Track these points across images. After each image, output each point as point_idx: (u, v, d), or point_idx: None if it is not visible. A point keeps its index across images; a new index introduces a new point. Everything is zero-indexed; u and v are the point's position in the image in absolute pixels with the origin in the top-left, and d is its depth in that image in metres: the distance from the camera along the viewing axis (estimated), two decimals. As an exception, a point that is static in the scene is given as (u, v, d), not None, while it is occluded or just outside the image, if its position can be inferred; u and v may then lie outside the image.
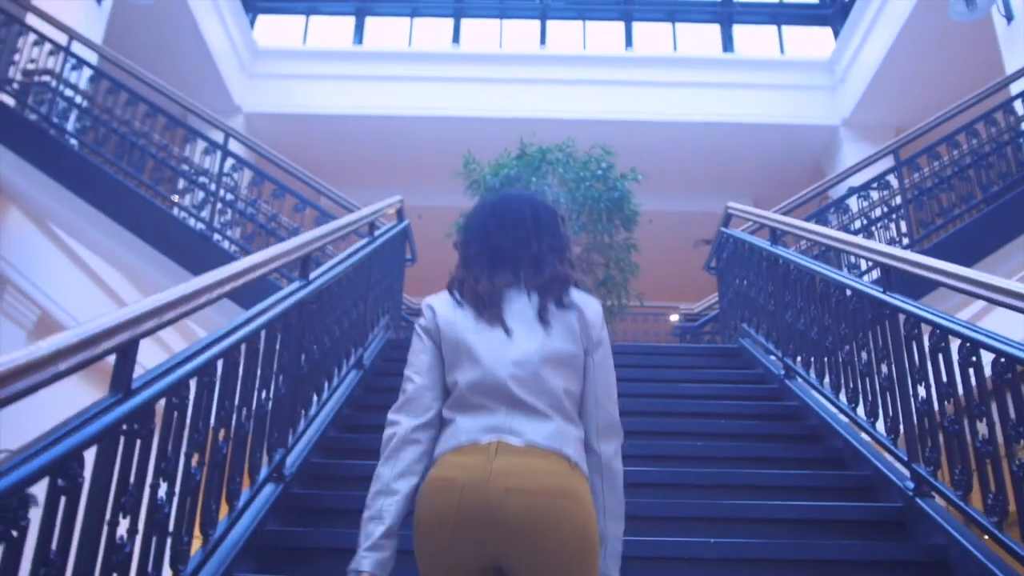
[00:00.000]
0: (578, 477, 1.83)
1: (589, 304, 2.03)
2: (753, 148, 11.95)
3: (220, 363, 2.74)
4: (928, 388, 3.31)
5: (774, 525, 3.41)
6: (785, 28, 12.99)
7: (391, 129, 11.83)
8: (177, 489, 2.48)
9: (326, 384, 4.13)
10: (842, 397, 4.10)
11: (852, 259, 6.30)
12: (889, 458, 3.71)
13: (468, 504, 1.75)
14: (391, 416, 1.95)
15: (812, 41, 12.88)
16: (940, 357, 3.20)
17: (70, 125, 6.73)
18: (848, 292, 4.01)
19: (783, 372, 4.93)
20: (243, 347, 2.93)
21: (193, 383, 2.54)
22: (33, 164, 6.25)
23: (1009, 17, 8.27)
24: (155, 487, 2.35)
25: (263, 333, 3.13)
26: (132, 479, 2.19)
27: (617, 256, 8.78)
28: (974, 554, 2.91)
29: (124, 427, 2.13)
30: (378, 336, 5.49)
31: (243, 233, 6.90)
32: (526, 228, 2.07)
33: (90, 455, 2.00)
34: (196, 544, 2.69)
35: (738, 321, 5.98)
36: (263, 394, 3.23)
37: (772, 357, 5.20)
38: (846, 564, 3.08)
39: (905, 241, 6.40)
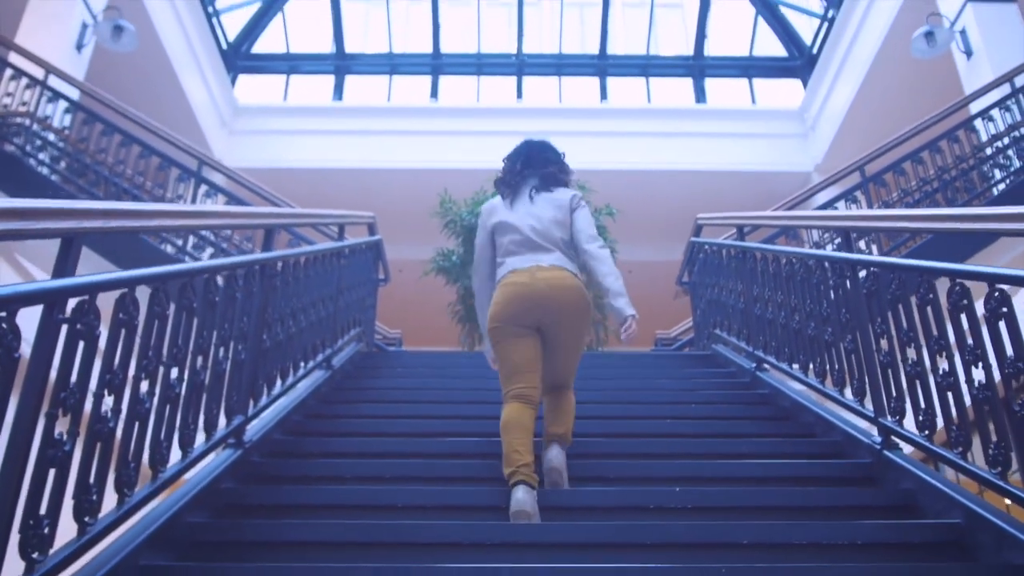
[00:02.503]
0: (574, 278, 3.34)
1: (568, 192, 3.60)
2: (729, 196, 12.08)
3: (176, 285, 2.71)
4: (891, 340, 3.31)
5: (746, 482, 3.36)
6: (756, 80, 13.33)
7: (370, 181, 11.94)
8: (124, 406, 2.43)
9: (291, 369, 4.09)
10: (811, 375, 4.09)
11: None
12: (858, 422, 3.68)
13: (525, 291, 3.28)
14: (473, 274, 3.73)
15: (782, 92, 13.21)
16: (900, 307, 3.21)
17: (44, 155, 6.77)
18: (810, 263, 4.03)
19: (754, 365, 4.93)
20: (199, 281, 2.89)
21: (144, 300, 2.50)
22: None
23: (968, 52, 8.53)
24: (99, 396, 2.31)
25: (220, 277, 3.10)
26: (74, 377, 2.15)
27: (594, 292, 8.82)
28: (942, 490, 2.88)
29: (67, 315, 2.10)
30: (349, 345, 5.45)
31: (213, 256, 6.89)
32: (549, 151, 3.80)
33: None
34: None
35: (711, 328, 5.98)
36: (220, 351, 3.20)
37: (743, 354, 5.20)
38: (820, 511, 3.03)
39: (875, 252, 6.46)
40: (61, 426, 2.12)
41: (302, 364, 4.31)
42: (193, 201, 6.83)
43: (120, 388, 2.40)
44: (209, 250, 6.99)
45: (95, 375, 2.27)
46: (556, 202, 3.51)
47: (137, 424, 2.52)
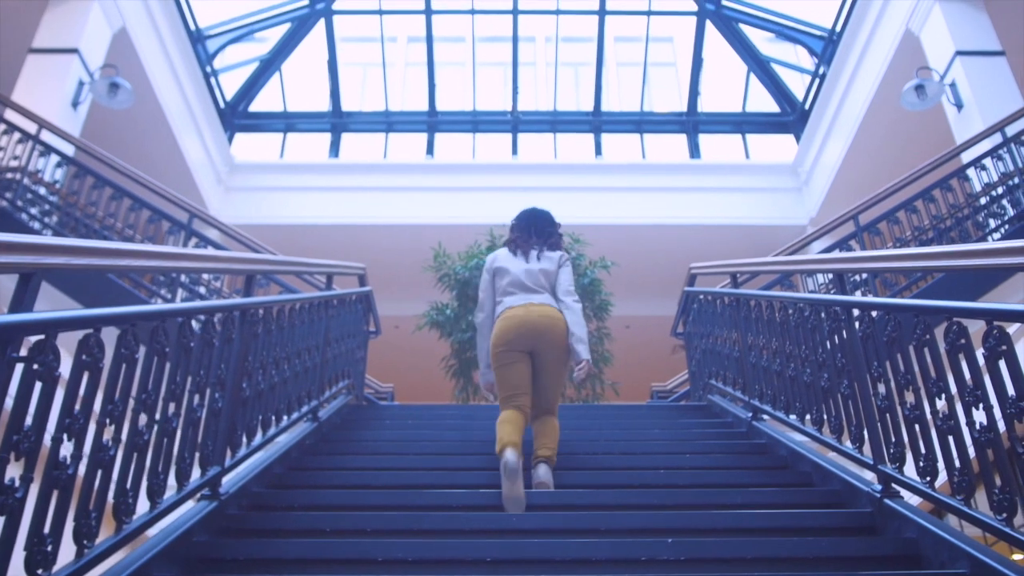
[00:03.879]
0: (559, 313, 4.17)
1: (560, 254, 4.46)
2: (724, 249, 12.03)
3: (148, 328, 2.61)
4: (888, 384, 3.21)
5: (742, 533, 3.23)
6: (749, 135, 13.41)
7: (365, 237, 11.93)
8: (85, 452, 2.32)
9: (273, 420, 3.97)
10: (808, 423, 3.98)
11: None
12: (856, 469, 3.56)
13: (521, 322, 4.10)
14: (477, 313, 4.49)
15: (775, 146, 13.28)
16: (896, 349, 3.12)
17: (35, 210, 6.74)
18: (803, 307, 3.94)
19: (750, 415, 4.81)
20: (172, 324, 2.80)
21: (112, 341, 2.41)
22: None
23: (959, 105, 8.57)
24: (57, 440, 2.20)
25: (195, 322, 3.00)
26: (29, 420, 2.05)
27: (590, 346, 8.73)
28: (946, 539, 2.75)
29: (23, 354, 2.00)
30: (338, 397, 5.33)
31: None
32: (546, 221, 4.61)
33: None
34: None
35: (707, 379, 5.87)
36: (196, 398, 3.09)
37: (740, 404, 5.08)
38: (820, 562, 2.90)
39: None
40: (14, 471, 2.01)
41: (286, 415, 4.19)
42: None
43: (81, 433, 2.29)
44: (198, 302, 6.91)
45: (53, 418, 2.17)
46: (550, 259, 4.39)
47: (100, 471, 2.41)
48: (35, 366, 2.06)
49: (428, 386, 10.06)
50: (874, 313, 3.34)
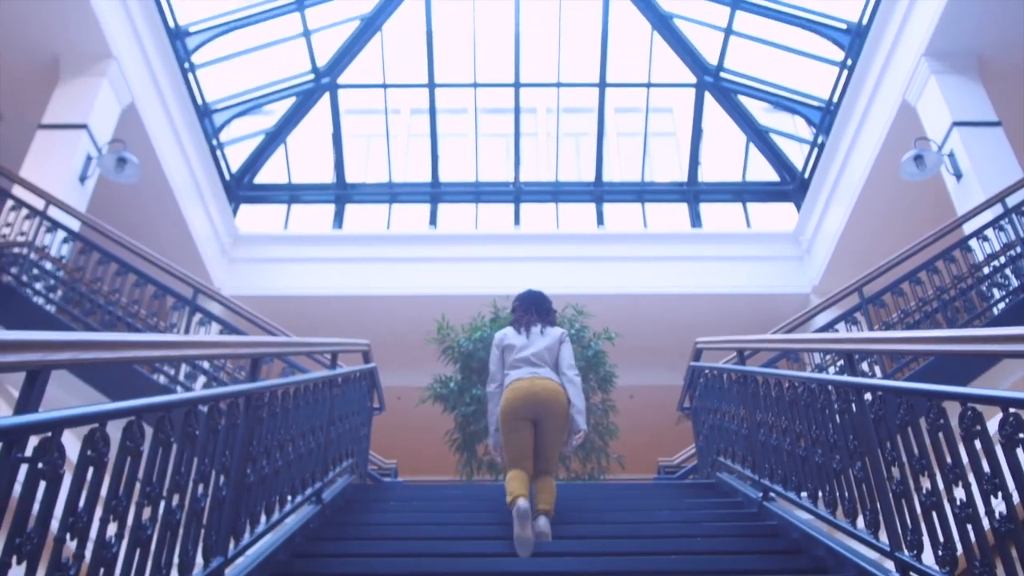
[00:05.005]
0: (560, 387, 4.67)
1: (559, 330, 5.04)
2: (728, 319, 12.06)
3: (152, 422, 2.59)
4: (902, 467, 3.16)
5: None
6: (750, 204, 13.51)
7: (369, 308, 11.95)
8: (88, 551, 2.27)
9: (277, 505, 3.91)
10: (820, 505, 3.91)
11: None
12: (873, 555, 3.48)
13: (527, 393, 4.59)
14: (488, 384, 4.95)
15: (776, 215, 13.37)
16: (910, 432, 3.08)
17: (40, 285, 6.75)
18: (813, 387, 3.91)
19: (760, 495, 4.73)
20: (178, 414, 2.77)
21: (116, 437, 2.38)
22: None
23: (958, 175, 8.63)
24: (60, 541, 2.15)
25: (200, 410, 2.97)
26: (32, 522, 2.01)
27: (595, 419, 8.66)
28: (969, 632, 2.66)
29: (27, 454, 1.98)
30: (342, 477, 5.26)
31: (206, 385, 6.77)
32: (543, 301, 5.20)
33: None
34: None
35: (714, 456, 5.79)
36: (200, 487, 3.04)
37: (749, 483, 5.00)
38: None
39: (879, 374, 6.34)
40: (16, 573, 1.97)
41: (290, 498, 4.12)
42: (187, 329, 6.76)
43: (84, 531, 2.25)
44: (202, 379, 6.88)
45: (57, 516, 2.13)
46: (551, 336, 4.96)
47: (103, 570, 2.35)
48: (40, 465, 2.03)
49: (431, 459, 9.95)
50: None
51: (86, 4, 8.60)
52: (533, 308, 5.12)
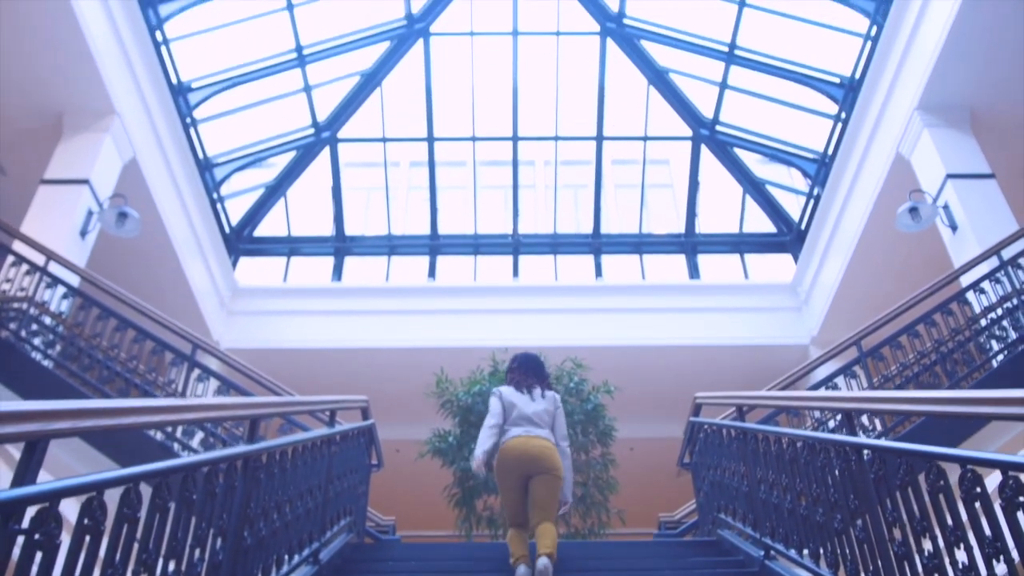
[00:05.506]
0: (554, 446, 5.04)
1: (556, 396, 5.43)
2: (727, 370, 12.06)
3: (150, 487, 2.57)
4: (903, 527, 3.15)
5: None
6: (747, 255, 13.58)
7: (367, 361, 11.94)
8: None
9: (274, 567, 3.87)
10: (823, 564, 3.87)
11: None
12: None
13: (522, 451, 4.95)
14: (486, 426, 5.12)
15: (774, 266, 13.43)
16: (910, 490, 3.07)
17: (39, 340, 6.75)
18: (813, 444, 3.90)
19: (762, 553, 4.68)
20: (175, 479, 2.76)
21: (112, 506, 2.37)
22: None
23: (953, 227, 8.69)
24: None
25: (199, 475, 2.96)
26: (27, 593, 1.99)
27: (595, 473, 8.60)
28: None
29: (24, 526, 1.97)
30: (339, 536, 5.21)
31: (203, 441, 6.74)
32: (540, 365, 5.64)
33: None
34: None
35: (715, 512, 5.74)
36: (196, 552, 3.02)
37: (750, 541, 4.96)
38: None
39: (879, 428, 6.33)
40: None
41: (287, 559, 4.08)
42: (185, 385, 6.75)
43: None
44: (200, 434, 6.85)
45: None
46: (549, 401, 5.35)
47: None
48: (37, 536, 2.02)
49: (430, 514, 9.86)
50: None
51: (91, 62, 8.72)
52: (532, 371, 5.50)
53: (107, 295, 7.33)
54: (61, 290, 7.17)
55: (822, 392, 4.60)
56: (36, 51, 8.53)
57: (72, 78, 8.87)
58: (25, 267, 6.95)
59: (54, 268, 7.19)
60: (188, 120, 11.18)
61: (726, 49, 11.81)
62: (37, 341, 6.76)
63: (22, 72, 8.73)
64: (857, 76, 10.65)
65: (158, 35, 10.21)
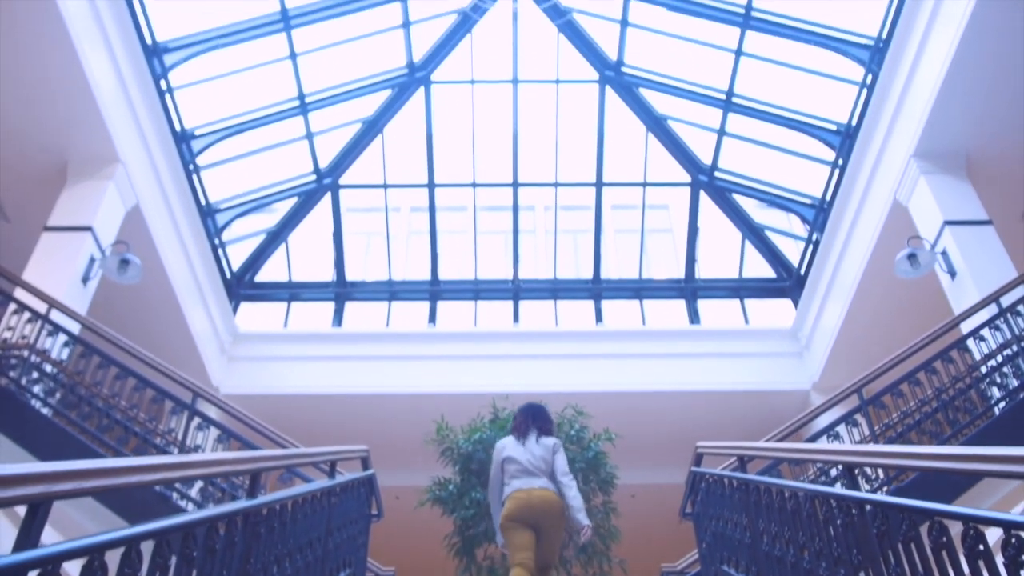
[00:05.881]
0: (556, 495, 5.34)
1: (553, 440, 5.69)
2: (729, 416, 12.03)
3: (150, 547, 2.57)
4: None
5: None
6: (747, 300, 13.61)
7: (368, 407, 11.93)
8: None
9: (273, 623, 3.83)
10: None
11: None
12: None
13: (525, 503, 5.28)
14: (489, 492, 5.72)
15: (774, 311, 13.46)
16: (913, 546, 3.07)
17: (39, 388, 6.75)
18: (815, 498, 3.89)
19: (767, 609, 4.63)
20: (176, 538, 2.75)
21: (114, 565, 2.36)
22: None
23: (952, 273, 8.73)
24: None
25: (199, 531, 2.95)
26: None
27: (597, 522, 8.52)
28: None
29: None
30: (338, 589, 5.16)
31: (202, 491, 6.70)
32: (540, 412, 5.94)
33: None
34: None
35: (719, 564, 5.69)
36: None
37: (755, 595, 4.91)
38: None
39: (881, 476, 6.30)
40: None
41: (285, 616, 4.04)
42: (185, 434, 6.74)
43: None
44: (199, 483, 6.81)
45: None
46: (546, 447, 5.57)
47: None
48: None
49: (430, 563, 9.74)
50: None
51: (96, 111, 8.83)
52: (530, 419, 5.82)
53: (107, 343, 7.33)
54: (62, 338, 7.18)
55: (823, 445, 4.59)
56: (43, 100, 8.64)
57: (77, 126, 8.97)
58: (27, 315, 6.97)
59: (56, 316, 7.21)
60: (191, 167, 11.28)
61: (724, 97, 11.95)
62: (37, 389, 6.76)
63: (28, 120, 8.84)
64: (853, 123, 10.76)
65: (163, 83, 10.34)
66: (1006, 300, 7.27)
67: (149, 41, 9.95)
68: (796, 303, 12.84)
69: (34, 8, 7.81)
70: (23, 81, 8.41)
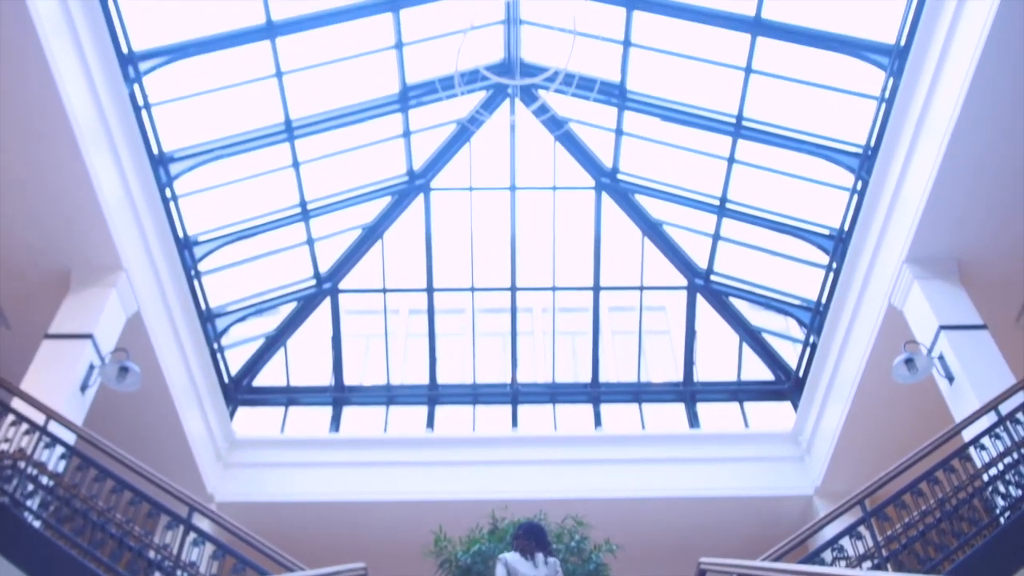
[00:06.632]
0: None
1: (556, 562, 6.41)
2: (730, 521, 11.88)
3: None
4: None
5: None
6: (747, 403, 13.56)
7: (366, 515, 11.80)
8: None
9: None
10: None
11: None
12: None
13: None
14: None
15: (774, 414, 13.39)
16: None
17: (35, 503, 6.68)
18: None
19: None
20: None
21: None
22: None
23: (950, 378, 8.73)
24: None
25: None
26: None
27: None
28: None
29: None
30: None
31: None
32: (543, 533, 6.59)
33: None
34: None
35: None
36: None
37: None
38: None
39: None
40: None
41: None
42: (180, 548, 6.62)
43: None
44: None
45: None
46: (551, 567, 6.09)
47: None
48: None
49: None
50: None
51: (102, 220, 8.98)
52: (535, 538, 6.35)
53: (103, 454, 7.28)
54: (59, 450, 7.14)
55: (828, 570, 4.52)
56: (49, 207, 8.80)
57: (83, 234, 9.11)
58: (25, 426, 6.94)
59: (53, 427, 7.18)
60: (193, 272, 11.40)
61: (717, 202, 12.20)
62: (34, 502, 6.68)
63: (34, 227, 8.98)
64: (846, 229, 10.93)
65: (167, 191, 10.55)
66: (1005, 407, 7.27)
67: (156, 151, 10.21)
68: (796, 406, 12.80)
69: (46, 117, 8.03)
70: (31, 188, 8.58)
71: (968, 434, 7.54)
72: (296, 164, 11.66)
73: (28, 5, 7.23)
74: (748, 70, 10.52)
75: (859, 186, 10.48)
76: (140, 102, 9.71)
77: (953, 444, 7.52)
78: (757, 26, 10.05)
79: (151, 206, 10.17)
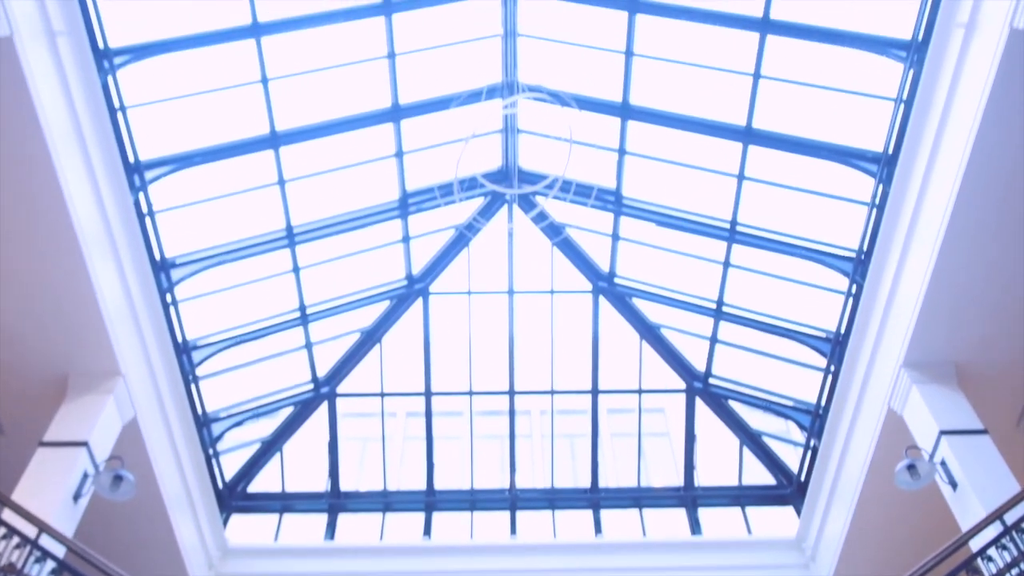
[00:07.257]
0: None
1: None
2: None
3: None
4: None
5: None
6: (749, 508, 13.32)
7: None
8: None
9: None
10: None
11: None
12: None
13: None
14: None
15: (777, 519, 13.14)
16: None
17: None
18: None
19: None
20: None
21: None
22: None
23: (953, 484, 8.61)
24: None
25: None
26: None
27: None
28: None
29: None
30: None
31: None
32: None
33: None
34: None
35: None
36: None
37: None
38: None
39: None
40: None
41: None
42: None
43: None
44: None
45: None
46: None
47: None
48: None
49: None
50: None
51: (102, 325, 8.99)
52: None
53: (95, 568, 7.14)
54: (50, 564, 6.98)
55: None
56: (48, 313, 8.82)
57: (82, 341, 9.11)
58: (16, 539, 6.81)
59: (45, 540, 7.04)
60: (191, 377, 11.38)
61: (714, 306, 12.27)
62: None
63: (34, 335, 9.00)
64: (842, 332, 10.96)
65: (168, 297, 10.62)
66: (1010, 517, 7.15)
67: (158, 257, 10.31)
68: (799, 511, 12.57)
69: (51, 226, 8.12)
70: (30, 294, 8.61)
71: (976, 544, 7.41)
72: (296, 269, 11.78)
73: (40, 119, 7.43)
74: (741, 177, 10.76)
75: (854, 289, 10.57)
76: (144, 209, 9.87)
77: (960, 556, 7.38)
78: (748, 135, 10.33)
79: (151, 312, 10.21)
